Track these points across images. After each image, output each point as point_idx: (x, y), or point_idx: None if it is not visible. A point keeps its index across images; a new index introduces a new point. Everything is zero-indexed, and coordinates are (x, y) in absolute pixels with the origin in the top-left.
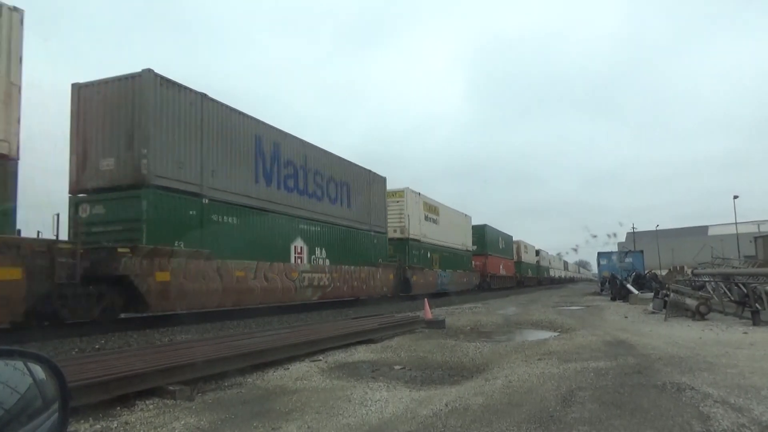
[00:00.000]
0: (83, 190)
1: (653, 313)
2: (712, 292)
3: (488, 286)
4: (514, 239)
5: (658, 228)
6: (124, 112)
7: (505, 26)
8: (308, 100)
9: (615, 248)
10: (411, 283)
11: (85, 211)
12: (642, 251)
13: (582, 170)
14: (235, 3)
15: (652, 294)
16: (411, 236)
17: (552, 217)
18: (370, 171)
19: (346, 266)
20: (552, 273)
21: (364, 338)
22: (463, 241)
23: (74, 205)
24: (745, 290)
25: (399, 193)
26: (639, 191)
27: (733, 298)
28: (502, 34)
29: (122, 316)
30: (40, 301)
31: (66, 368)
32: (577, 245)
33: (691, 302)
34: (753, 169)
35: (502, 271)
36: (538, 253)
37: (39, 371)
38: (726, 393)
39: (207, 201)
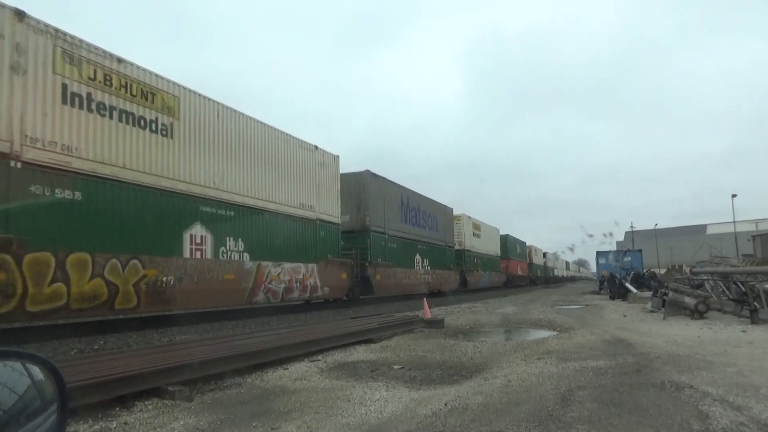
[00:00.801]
0: None
1: (652, 311)
2: (710, 290)
3: (511, 283)
4: (527, 245)
5: (656, 227)
6: (354, 191)
7: (504, 23)
8: (309, 97)
9: (612, 247)
10: (467, 282)
11: None
12: (641, 250)
13: (580, 167)
14: (236, 0)
15: (651, 293)
16: (466, 248)
17: (549, 215)
18: (445, 205)
19: (438, 270)
20: (556, 273)
21: (363, 338)
22: (495, 248)
23: None
24: (743, 289)
25: (458, 218)
26: (637, 189)
27: (731, 297)
28: (501, 31)
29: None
30: (348, 289)
31: (64, 369)
32: (573, 245)
33: (689, 301)
34: (752, 167)
35: (519, 272)
36: (545, 255)
37: (37, 372)
38: (725, 391)
39: (387, 236)
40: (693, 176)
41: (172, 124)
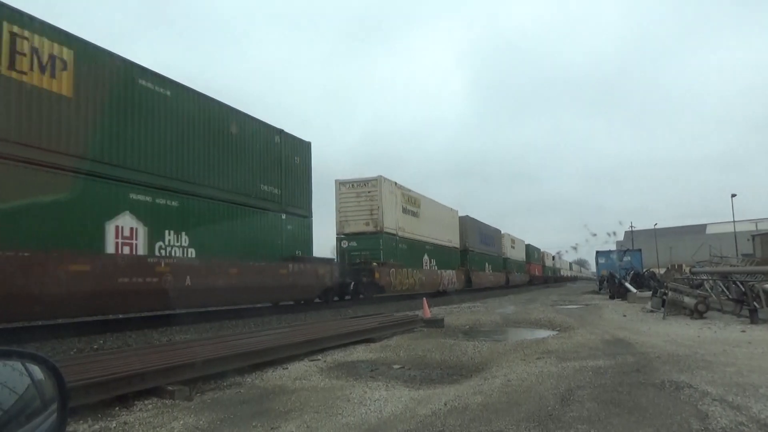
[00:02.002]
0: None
1: (651, 311)
2: (710, 290)
3: (531, 282)
4: (541, 250)
5: (656, 227)
6: (460, 226)
7: (506, 24)
8: (309, 98)
9: (614, 247)
10: (510, 280)
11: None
12: (640, 250)
13: (582, 168)
14: (236, 0)
15: (651, 292)
16: (507, 257)
17: (552, 215)
18: (495, 227)
19: (495, 273)
20: (562, 273)
21: (363, 337)
22: (522, 256)
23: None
24: (743, 288)
25: (503, 235)
26: (638, 189)
27: (731, 297)
28: (503, 32)
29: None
30: (464, 284)
31: (65, 368)
32: (576, 244)
33: (689, 301)
34: (751, 168)
35: (537, 273)
36: (553, 258)
37: (37, 371)
38: (724, 391)
39: (475, 252)
40: (693, 176)
41: (418, 212)
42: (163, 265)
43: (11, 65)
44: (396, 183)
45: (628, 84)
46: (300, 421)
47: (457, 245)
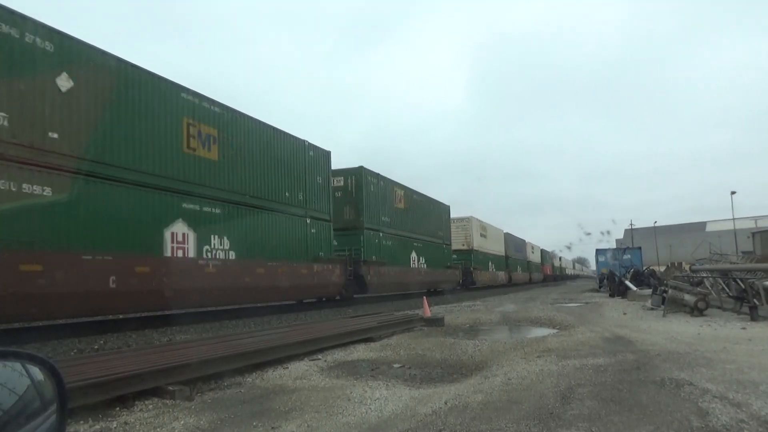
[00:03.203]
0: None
1: (652, 309)
2: (710, 287)
3: (544, 281)
4: (550, 253)
5: (656, 224)
6: (505, 242)
7: (508, 23)
8: (311, 96)
9: (610, 245)
10: (531, 278)
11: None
12: (640, 248)
13: (580, 166)
14: (240, 0)
15: (651, 290)
16: (529, 260)
17: (549, 213)
18: (521, 238)
19: (522, 272)
20: (567, 272)
21: (363, 337)
22: (538, 259)
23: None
24: (743, 286)
25: (527, 244)
26: (637, 187)
27: (731, 294)
28: (505, 31)
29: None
30: (507, 280)
31: (64, 369)
32: (570, 243)
33: (689, 298)
34: (751, 165)
35: (548, 272)
36: (560, 259)
37: (37, 372)
38: (724, 388)
39: (512, 258)
40: (692, 173)
41: (486, 234)
42: (422, 271)
43: (188, 145)
44: (477, 218)
45: (627, 83)
46: (300, 421)
47: (503, 254)
